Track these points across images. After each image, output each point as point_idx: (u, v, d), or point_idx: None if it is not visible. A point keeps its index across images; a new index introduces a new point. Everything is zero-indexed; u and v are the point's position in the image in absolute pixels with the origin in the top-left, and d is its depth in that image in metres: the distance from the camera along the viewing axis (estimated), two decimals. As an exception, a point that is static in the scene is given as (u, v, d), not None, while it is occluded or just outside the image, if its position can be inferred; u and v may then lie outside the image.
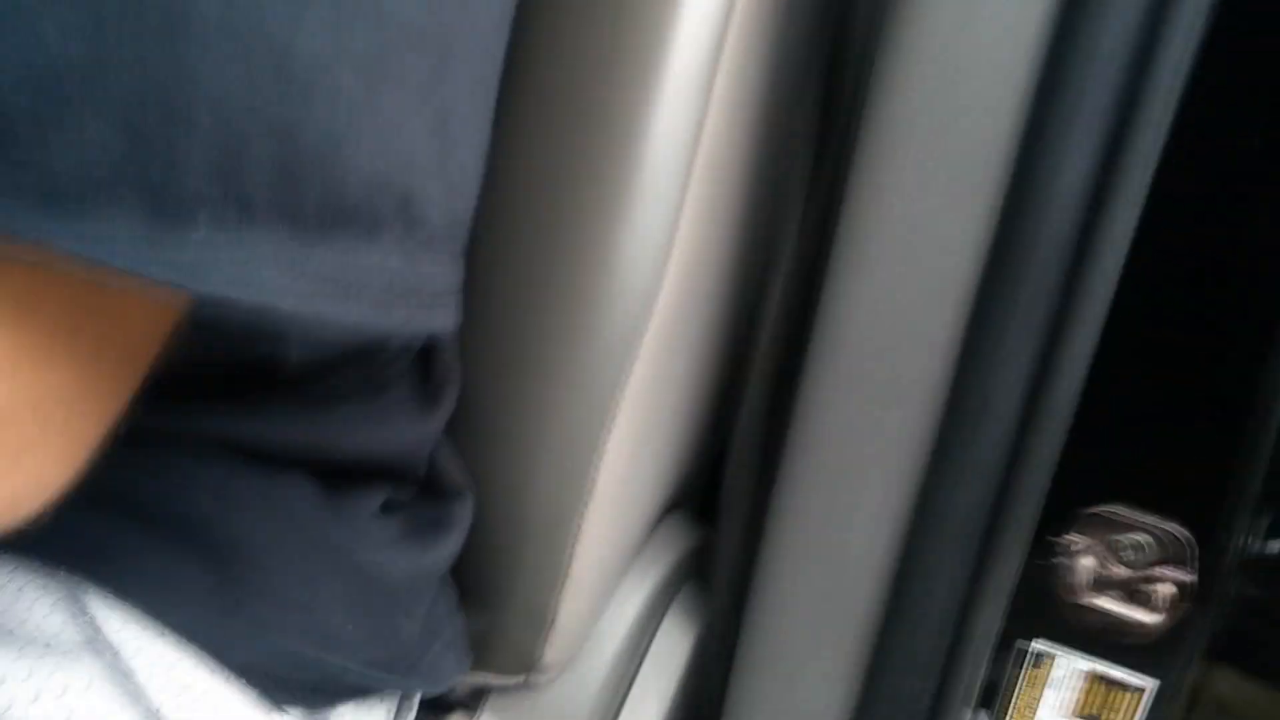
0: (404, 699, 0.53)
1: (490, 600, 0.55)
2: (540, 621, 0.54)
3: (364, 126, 0.26)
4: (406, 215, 0.29)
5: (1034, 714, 0.60)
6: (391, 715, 0.52)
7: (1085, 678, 0.59)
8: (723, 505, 0.62)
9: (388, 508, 0.49)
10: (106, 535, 0.38)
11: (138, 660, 0.38)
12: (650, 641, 0.64)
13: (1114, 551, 0.56)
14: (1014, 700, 0.60)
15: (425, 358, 0.51)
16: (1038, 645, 0.59)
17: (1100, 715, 0.60)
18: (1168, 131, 0.47)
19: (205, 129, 0.23)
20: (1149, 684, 0.59)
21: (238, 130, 0.23)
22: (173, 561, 0.39)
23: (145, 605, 0.38)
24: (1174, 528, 0.56)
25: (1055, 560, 0.57)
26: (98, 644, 0.36)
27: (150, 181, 0.22)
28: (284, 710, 0.43)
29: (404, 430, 0.49)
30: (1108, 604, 0.57)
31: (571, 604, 0.54)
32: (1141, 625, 0.56)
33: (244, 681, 0.41)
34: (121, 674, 0.37)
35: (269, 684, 0.42)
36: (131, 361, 0.29)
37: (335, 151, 0.25)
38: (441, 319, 0.33)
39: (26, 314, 0.25)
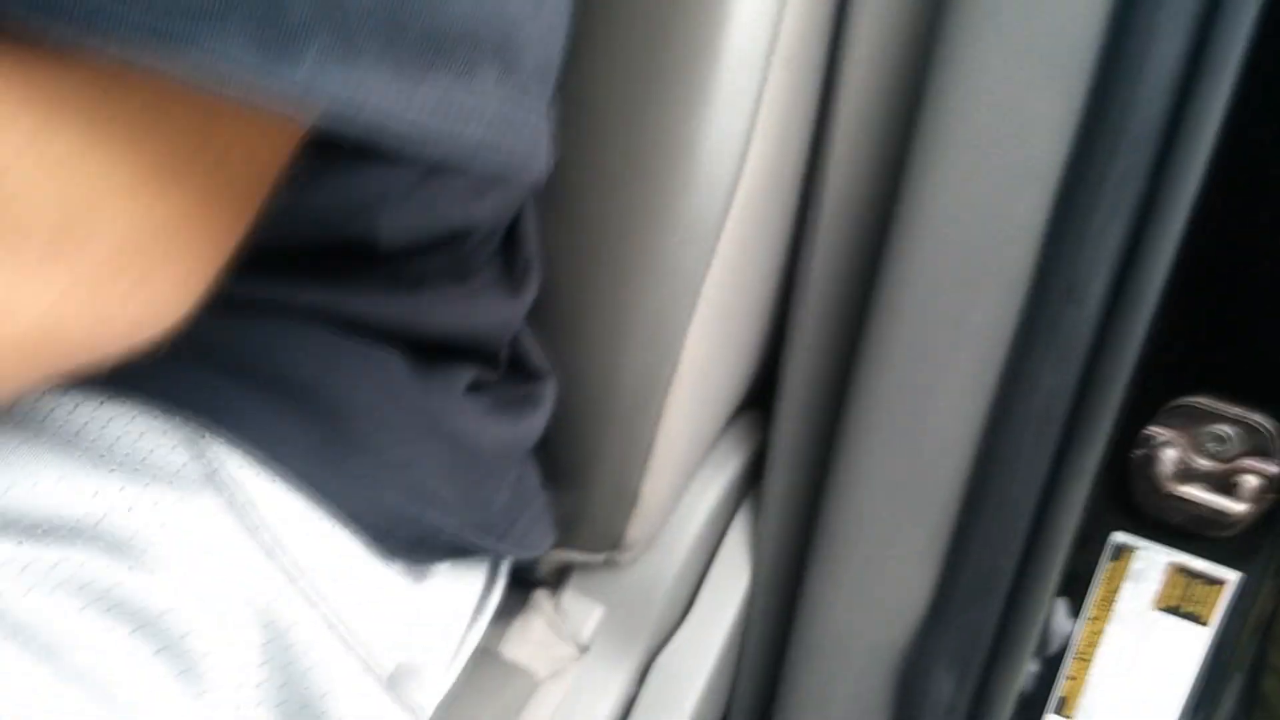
0: (494, 570, 0.55)
1: (577, 479, 0.57)
2: (624, 499, 0.56)
3: None
4: (503, 57, 0.30)
5: (1114, 605, 0.61)
6: (482, 582, 0.54)
7: (1167, 570, 0.59)
8: (801, 391, 0.62)
9: (476, 385, 0.51)
10: (219, 389, 0.40)
11: (252, 501, 0.40)
12: (728, 526, 0.65)
13: (1199, 442, 0.56)
14: (1094, 590, 0.60)
15: (510, 243, 0.53)
16: (1120, 537, 0.59)
17: (1181, 607, 0.60)
18: (1264, 4, 0.46)
19: None
20: (1232, 576, 0.58)
21: None
22: (281, 416, 0.42)
23: (255, 452, 0.41)
24: (1261, 419, 0.55)
25: (1140, 451, 0.57)
26: (218, 480, 0.39)
27: (257, 14, 0.24)
28: (389, 561, 0.45)
29: (490, 312, 0.51)
30: (1192, 495, 0.56)
31: (654, 483, 0.56)
32: (1226, 516, 0.56)
33: (352, 529, 0.43)
34: (239, 511, 0.39)
35: (373, 534, 0.44)
36: (245, 193, 0.31)
37: None
38: (536, 164, 0.34)
39: (147, 137, 0.27)
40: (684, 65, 0.51)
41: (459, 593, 0.51)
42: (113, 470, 0.37)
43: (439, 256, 0.47)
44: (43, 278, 0.26)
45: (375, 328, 0.45)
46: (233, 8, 0.24)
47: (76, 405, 0.38)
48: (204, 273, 0.31)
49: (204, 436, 0.40)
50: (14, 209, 0.25)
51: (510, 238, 0.53)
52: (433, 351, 0.48)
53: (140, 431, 0.38)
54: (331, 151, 0.34)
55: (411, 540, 0.46)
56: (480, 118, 0.30)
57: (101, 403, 0.38)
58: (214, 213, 0.30)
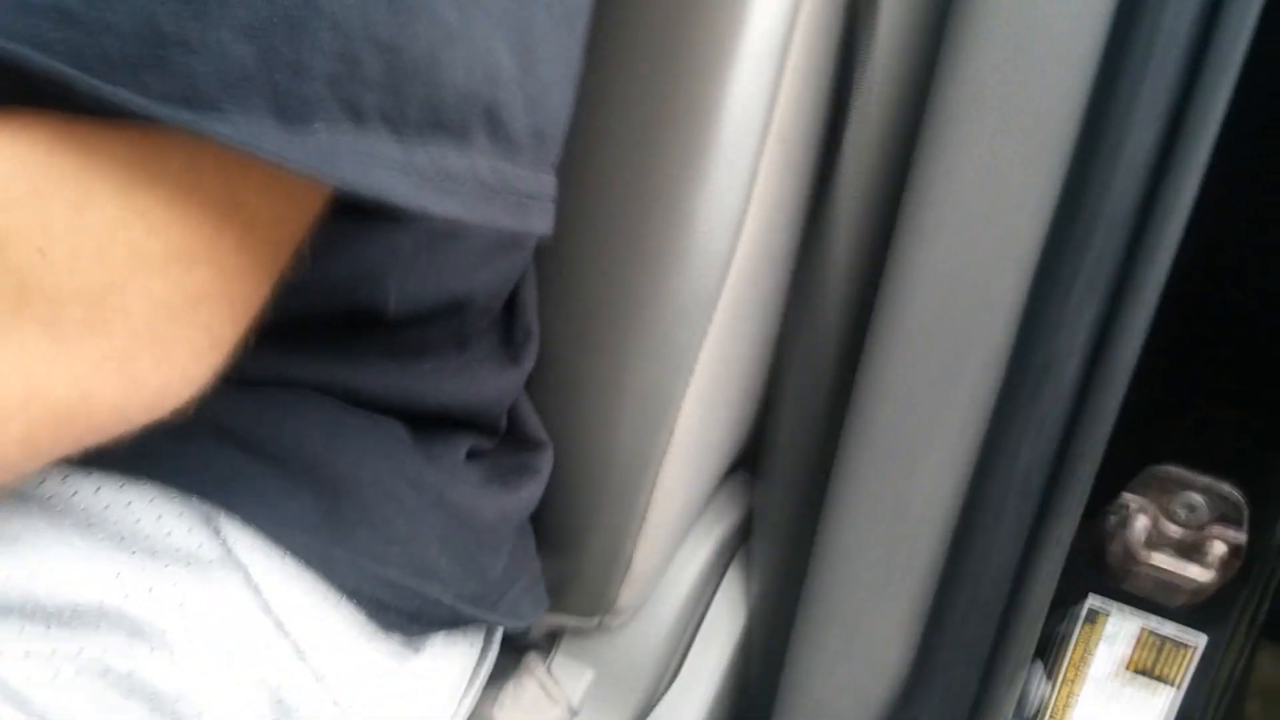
0: (487, 637, 0.56)
1: (570, 545, 0.58)
2: (617, 566, 0.57)
3: (457, 46, 0.29)
4: (492, 124, 0.32)
5: (1087, 669, 0.63)
6: (476, 651, 0.55)
7: (1137, 634, 0.61)
8: (787, 460, 0.64)
9: (473, 455, 0.52)
10: (231, 467, 0.41)
11: (264, 579, 0.41)
12: (716, 590, 0.66)
13: (1170, 509, 0.58)
14: (1068, 655, 0.62)
15: (509, 314, 0.54)
16: (1092, 602, 0.61)
17: (1151, 671, 0.62)
18: (1231, 100, 0.49)
19: (325, 45, 0.26)
20: (1199, 640, 0.60)
21: (352, 46, 0.27)
22: (288, 492, 0.42)
23: (266, 530, 0.41)
24: (1227, 489, 0.57)
25: (1111, 518, 0.59)
26: (233, 559, 0.39)
27: (276, 87, 0.26)
28: (387, 634, 0.46)
29: (489, 382, 0.52)
30: (1161, 561, 0.59)
31: (647, 549, 0.57)
32: (1193, 582, 0.58)
33: (353, 604, 0.44)
34: (253, 589, 0.40)
35: (374, 608, 0.44)
36: (269, 261, 0.32)
37: (433, 66, 0.29)
38: (535, 222, 0.35)
39: (181, 207, 0.28)
40: (680, 143, 0.53)
41: (453, 662, 0.52)
42: (134, 552, 0.38)
43: (440, 326, 0.48)
44: (77, 351, 0.27)
45: (378, 400, 0.46)
46: (253, 81, 0.26)
47: (99, 488, 0.38)
48: (229, 340, 0.32)
49: (218, 515, 0.40)
50: (55, 282, 0.26)
51: (509, 308, 0.54)
52: (433, 422, 0.49)
53: (158, 513, 0.39)
54: (344, 217, 0.35)
55: (409, 613, 0.46)
56: (470, 178, 0.32)
57: (122, 484, 0.38)
58: (235, 288, 0.31)
